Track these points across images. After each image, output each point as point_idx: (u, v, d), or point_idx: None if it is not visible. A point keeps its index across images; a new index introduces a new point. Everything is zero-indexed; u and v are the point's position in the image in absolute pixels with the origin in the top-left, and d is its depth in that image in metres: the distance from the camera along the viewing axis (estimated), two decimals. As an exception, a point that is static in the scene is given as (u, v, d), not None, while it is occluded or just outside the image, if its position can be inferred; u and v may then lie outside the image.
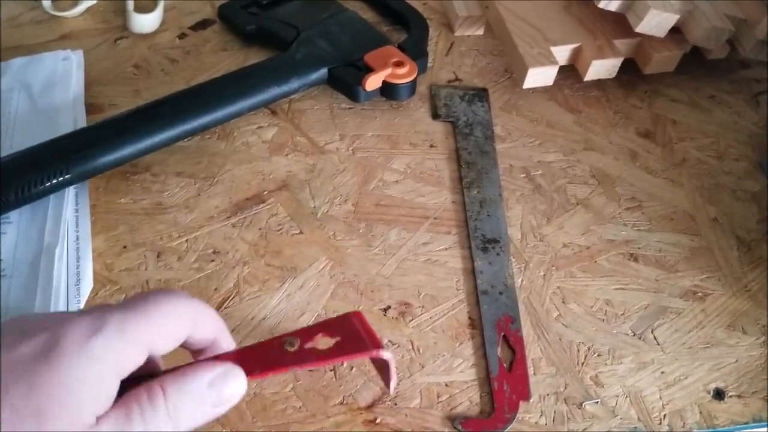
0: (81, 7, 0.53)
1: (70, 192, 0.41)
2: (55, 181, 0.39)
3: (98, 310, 0.25)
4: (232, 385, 0.27)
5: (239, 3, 0.53)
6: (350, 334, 0.31)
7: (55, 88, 0.47)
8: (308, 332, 0.31)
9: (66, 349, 0.23)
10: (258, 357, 0.29)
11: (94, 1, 0.54)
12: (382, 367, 0.32)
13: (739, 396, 0.37)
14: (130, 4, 0.53)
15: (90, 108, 0.47)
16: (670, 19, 0.48)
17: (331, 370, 0.36)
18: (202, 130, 0.45)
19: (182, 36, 0.53)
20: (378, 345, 0.31)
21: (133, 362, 0.25)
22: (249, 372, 0.28)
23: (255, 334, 0.37)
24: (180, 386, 0.26)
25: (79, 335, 0.24)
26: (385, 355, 0.30)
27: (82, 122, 0.45)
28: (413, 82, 0.48)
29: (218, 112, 0.45)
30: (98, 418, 0.24)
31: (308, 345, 0.30)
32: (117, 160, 0.41)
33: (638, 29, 0.48)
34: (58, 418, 0.23)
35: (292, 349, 0.30)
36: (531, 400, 0.36)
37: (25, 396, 0.23)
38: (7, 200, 0.38)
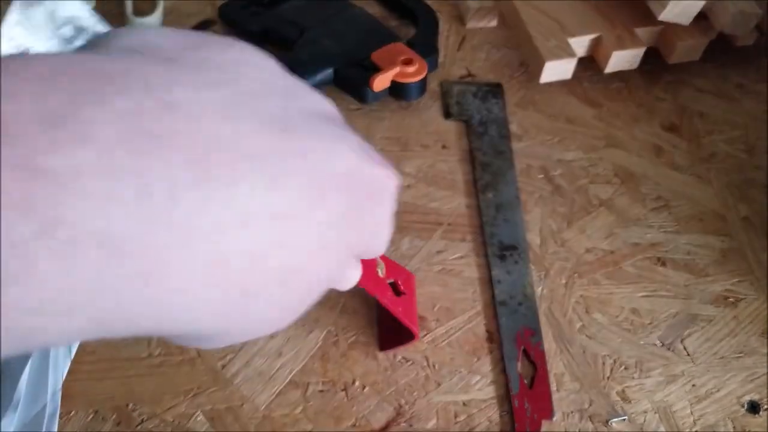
0: (80, 11, 0.52)
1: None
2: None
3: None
4: (353, 277, 0.29)
5: (240, 2, 0.51)
6: (410, 296, 0.35)
7: (54, 98, 0.45)
8: (391, 267, 0.34)
9: (387, 207, 0.23)
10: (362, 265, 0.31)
11: (93, 6, 0.52)
12: (401, 335, 0.35)
13: (776, 409, 0.35)
14: (129, 7, 0.51)
15: (90, 117, 0.45)
16: (695, 5, 0.45)
17: (342, 390, 0.35)
18: (205, 137, 0.43)
19: (184, 38, 0.51)
20: (417, 324, 0.36)
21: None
22: None
23: (263, 353, 0.36)
24: None
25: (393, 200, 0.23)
26: (417, 335, 0.35)
27: (82, 132, 0.44)
28: (423, 81, 0.46)
29: (221, 118, 0.43)
30: None
31: (389, 280, 0.34)
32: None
33: (661, 17, 0.45)
34: (341, 243, 0.22)
35: (381, 275, 0.33)
36: (554, 419, 0.34)
37: (355, 217, 0.21)
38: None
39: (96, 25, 0.37)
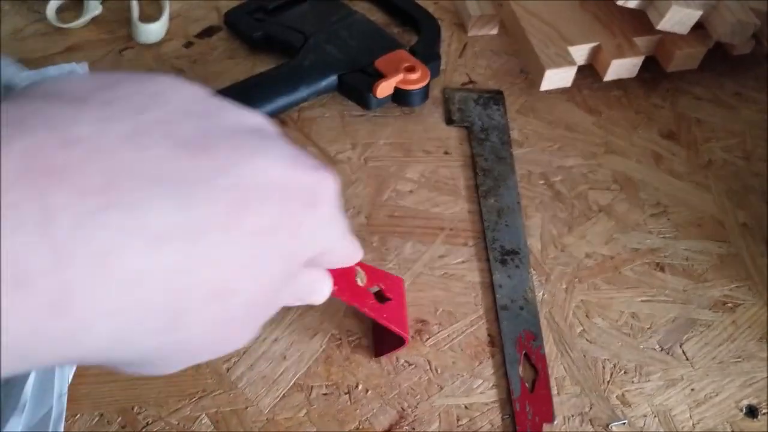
0: (86, 18, 0.52)
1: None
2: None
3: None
4: (322, 292, 0.29)
5: (245, 9, 0.52)
6: (397, 301, 0.35)
7: (60, 103, 0.46)
8: (374, 275, 0.34)
9: (327, 208, 0.23)
10: (336, 275, 0.30)
11: (99, 12, 0.53)
12: (393, 340, 0.35)
13: (773, 413, 0.36)
14: (135, 13, 0.52)
15: (96, 122, 0.46)
16: (693, 15, 0.45)
17: (346, 394, 0.35)
18: (210, 142, 0.44)
19: (188, 45, 0.52)
20: (407, 328, 0.35)
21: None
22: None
23: (267, 356, 0.36)
24: (307, 274, 0.27)
25: (335, 199, 0.24)
26: (408, 340, 0.35)
27: (87, 137, 0.44)
28: (426, 88, 0.46)
29: (226, 123, 0.44)
30: None
31: (371, 288, 0.33)
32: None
33: (660, 26, 0.46)
34: (290, 266, 0.23)
35: (361, 284, 0.33)
36: (555, 422, 0.34)
37: (288, 233, 0.21)
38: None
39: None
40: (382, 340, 0.36)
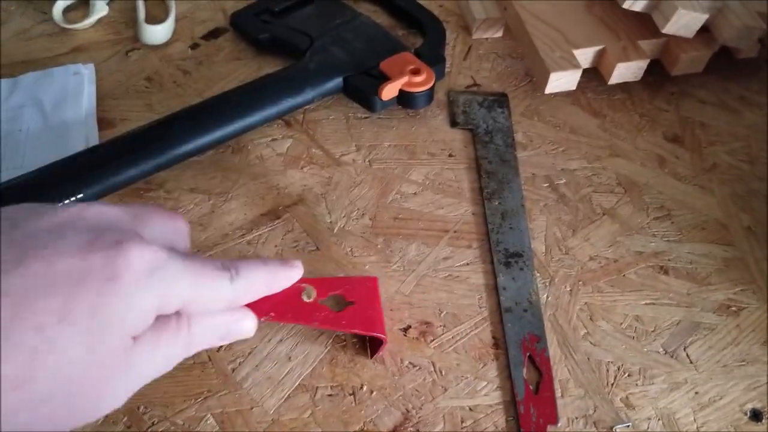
0: (92, 19, 0.52)
1: (83, 212, 0.40)
2: (66, 201, 0.38)
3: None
4: (243, 329, 0.30)
5: (251, 11, 0.52)
6: (365, 304, 0.34)
7: (67, 104, 0.46)
8: (326, 285, 0.33)
9: (134, 277, 0.24)
10: (276, 300, 0.30)
11: (105, 13, 0.53)
12: (374, 339, 0.35)
13: (777, 416, 0.36)
14: (141, 15, 0.52)
15: (102, 123, 0.46)
16: (698, 18, 0.46)
17: (350, 395, 0.35)
18: (216, 144, 0.44)
19: (194, 46, 0.52)
20: (382, 328, 0.34)
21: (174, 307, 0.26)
22: (263, 313, 0.30)
23: (272, 357, 0.36)
24: (203, 322, 0.28)
25: (145, 264, 0.25)
26: (384, 338, 0.34)
27: (94, 138, 0.45)
28: (430, 90, 0.46)
29: (232, 125, 0.44)
30: (134, 338, 0.25)
31: (322, 300, 0.33)
32: (130, 178, 0.41)
33: (665, 30, 0.46)
34: (107, 340, 0.24)
35: (309, 300, 0.32)
36: (559, 424, 0.35)
37: (87, 314, 0.23)
38: (19, 223, 0.38)
39: None
40: (370, 341, 0.36)
